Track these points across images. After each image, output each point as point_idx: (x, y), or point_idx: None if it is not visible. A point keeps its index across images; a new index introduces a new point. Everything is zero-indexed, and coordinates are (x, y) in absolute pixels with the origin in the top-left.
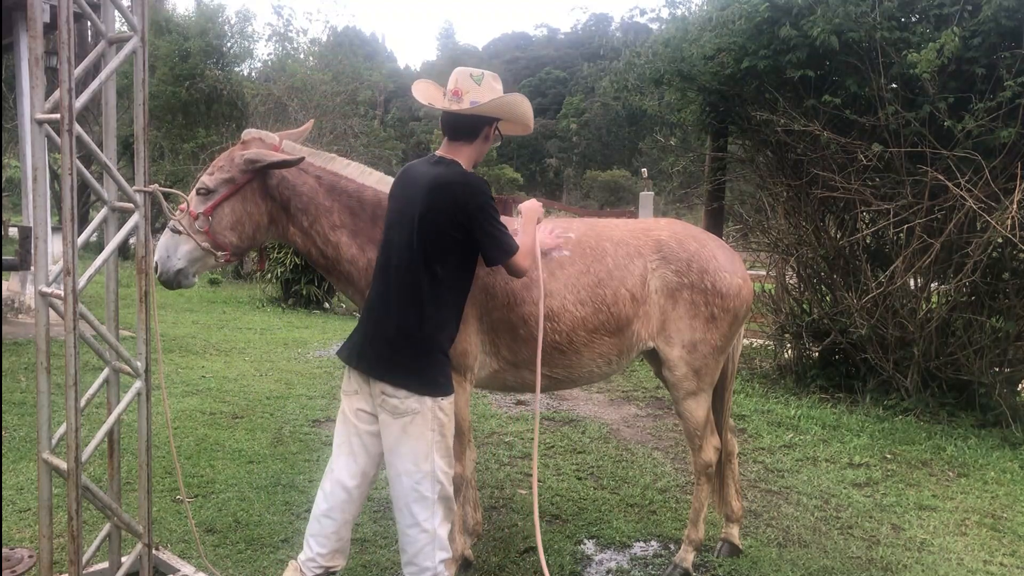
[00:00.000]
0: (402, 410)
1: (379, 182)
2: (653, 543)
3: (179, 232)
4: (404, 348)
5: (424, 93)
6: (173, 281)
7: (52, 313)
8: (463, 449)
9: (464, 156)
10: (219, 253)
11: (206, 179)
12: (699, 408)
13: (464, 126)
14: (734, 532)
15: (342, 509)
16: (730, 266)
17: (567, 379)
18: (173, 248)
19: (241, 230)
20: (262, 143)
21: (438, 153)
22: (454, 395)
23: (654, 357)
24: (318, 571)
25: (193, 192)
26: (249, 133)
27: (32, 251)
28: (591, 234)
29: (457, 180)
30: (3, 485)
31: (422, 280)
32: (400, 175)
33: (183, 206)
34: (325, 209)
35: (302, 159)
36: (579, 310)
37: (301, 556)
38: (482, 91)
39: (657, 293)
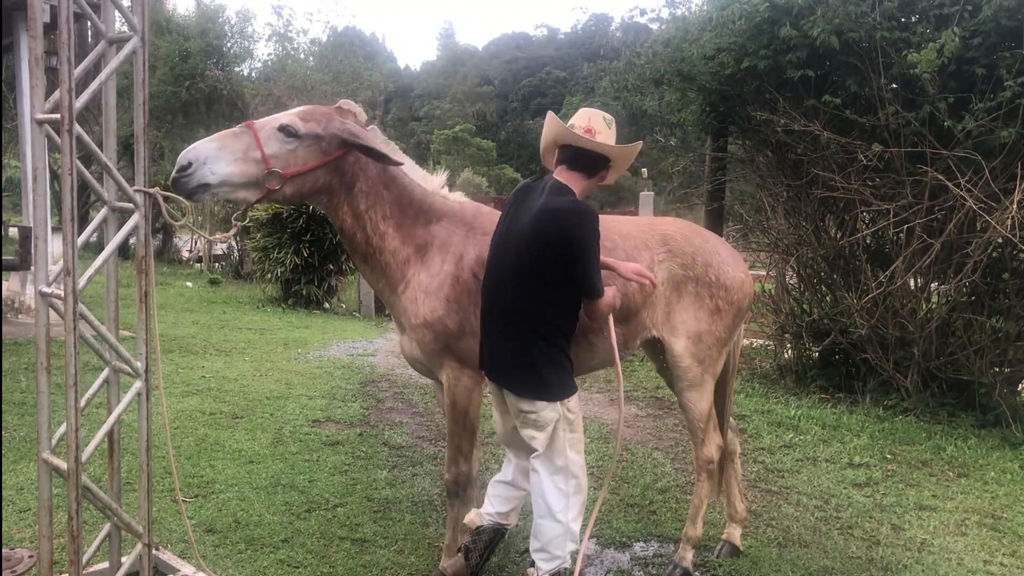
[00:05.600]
0: (542, 423)
1: (423, 179)
2: (653, 543)
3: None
4: (524, 364)
5: (555, 127)
6: (189, 190)
7: (52, 313)
8: (472, 448)
9: (579, 187)
10: (264, 188)
11: (297, 120)
12: (702, 400)
13: (587, 161)
14: (736, 533)
15: (508, 478)
16: (732, 261)
17: (580, 367)
18: (215, 159)
19: (300, 185)
20: (356, 119)
21: (557, 177)
22: (575, 394)
23: (656, 351)
24: (491, 523)
25: (275, 126)
26: (348, 104)
27: (32, 251)
28: (601, 227)
29: (572, 209)
30: (3, 485)
31: (528, 300)
32: (517, 194)
33: (251, 127)
34: (382, 198)
35: (402, 164)
36: None
37: (482, 508)
38: (612, 135)
39: (663, 285)
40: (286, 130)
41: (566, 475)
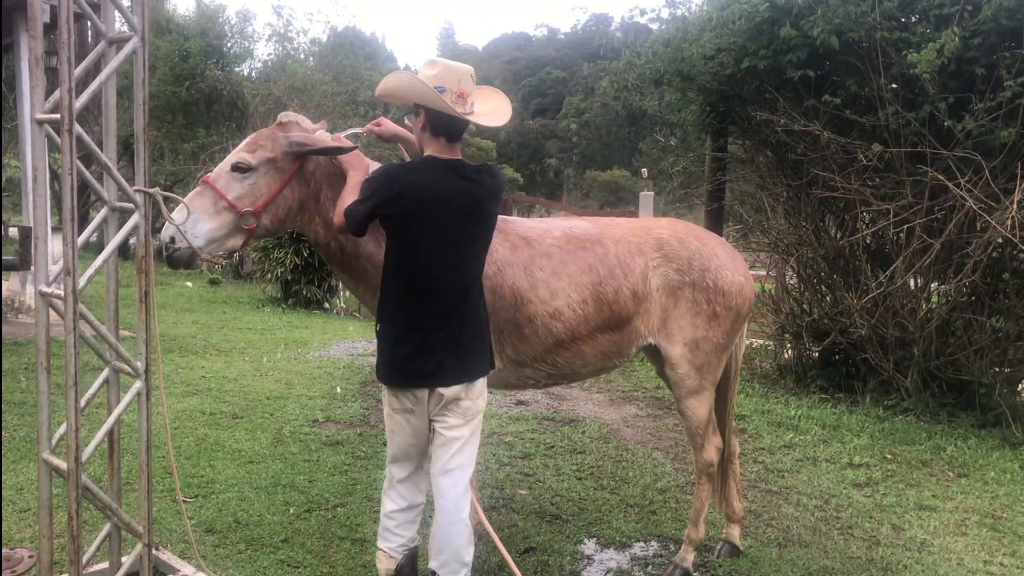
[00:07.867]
0: (473, 411)
1: None
2: (653, 543)
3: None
4: (471, 343)
5: (428, 96)
6: (185, 260)
7: (52, 313)
8: None
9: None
10: (244, 230)
11: (244, 154)
12: (701, 407)
13: (463, 128)
14: (735, 532)
15: (410, 501)
16: (731, 264)
17: (571, 373)
18: (192, 223)
19: (274, 213)
20: (299, 127)
21: (446, 157)
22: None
23: (656, 355)
24: (406, 552)
25: (228, 170)
26: (287, 115)
27: (32, 251)
28: (593, 231)
29: (499, 187)
30: (3, 485)
31: (479, 283)
32: (440, 186)
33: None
34: None
35: (356, 147)
36: (582, 308)
37: (387, 545)
38: (474, 92)
39: (658, 291)
40: (239, 168)
41: (472, 466)
